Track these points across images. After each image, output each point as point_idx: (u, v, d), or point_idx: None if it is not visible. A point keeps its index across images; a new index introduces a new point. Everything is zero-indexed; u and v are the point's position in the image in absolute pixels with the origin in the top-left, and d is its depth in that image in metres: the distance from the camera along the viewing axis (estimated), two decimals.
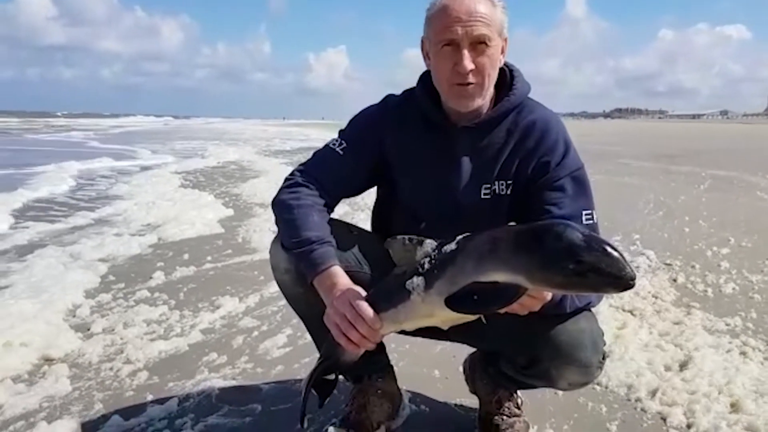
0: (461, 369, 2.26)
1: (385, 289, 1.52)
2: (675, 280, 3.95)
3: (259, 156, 16.95)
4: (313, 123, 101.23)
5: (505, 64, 1.73)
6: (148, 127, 50.44)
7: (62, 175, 10.65)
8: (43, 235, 5.55)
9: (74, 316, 3.30)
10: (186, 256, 4.70)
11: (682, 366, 2.56)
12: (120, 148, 21.08)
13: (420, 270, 1.44)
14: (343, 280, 1.61)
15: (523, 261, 1.27)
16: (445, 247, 1.42)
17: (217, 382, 2.50)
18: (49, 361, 2.71)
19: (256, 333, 3.06)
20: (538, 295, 1.37)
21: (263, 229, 5.59)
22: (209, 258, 4.66)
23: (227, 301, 3.52)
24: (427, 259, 1.44)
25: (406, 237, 1.50)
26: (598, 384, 2.39)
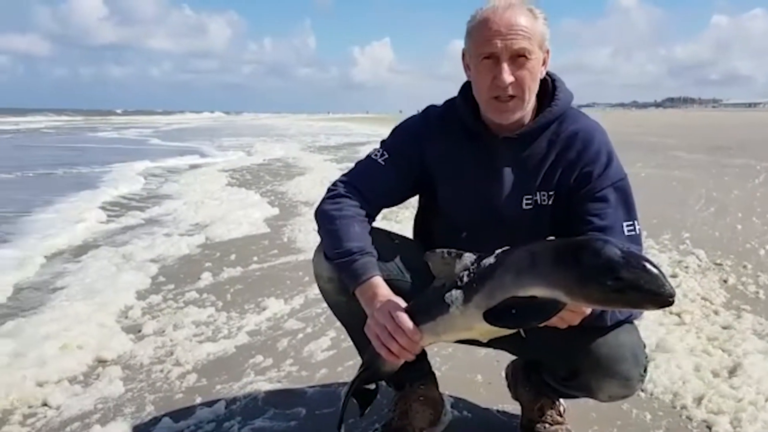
0: (504, 374, 2.27)
1: (425, 302, 1.55)
2: (725, 281, 3.87)
3: (304, 152, 17.11)
4: (358, 117, 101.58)
5: (547, 74, 1.73)
6: (201, 123, 51.33)
7: (135, 174, 11.09)
8: (99, 235, 5.73)
9: (126, 318, 3.41)
10: (233, 257, 4.80)
11: (731, 372, 2.51)
12: (184, 145, 21.56)
13: (459, 283, 1.46)
14: (383, 291, 1.64)
15: (562, 277, 1.28)
16: (483, 261, 1.44)
17: (263, 384, 2.56)
18: (102, 362, 2.81)
19: (300, 335, 3.12)
20: (578, 310, 1.37)
21: (308, 229, 5.66)
22: (255, 258, 4.75)
23: (272, 303, 3.58)
24: (466, 272, 1.46)
25: (445, 250, 1.52)
26: (642, 391, 2.36)
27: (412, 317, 1.54)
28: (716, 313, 3.26)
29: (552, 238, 1.71)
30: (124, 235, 5.72)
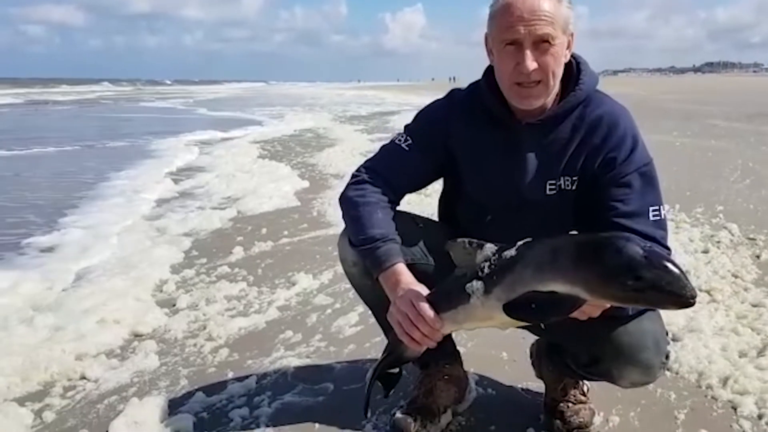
0: (528, 352, 2.30)
1: (446, 291, 1.58)
2: (758, 257, 3.82)
3: (334, 123, 17.11)
4: (388, 85, 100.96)
5: (572, 56, 1.72)
6: (231, 93, 51.57)
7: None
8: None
9: (161, 292, 3.51)
10: (264, 231, 4.87)
11: (759, 353, 2.50)
12: (237, 115, 21.78)
13: (480, 274, 1.48)
14: (406, 278, 1.67)
15: (583, 274, 1.29)
16: (504, 253, 1.45)
17: (293, 360, 2.62)
18: (138, 336, 2.91)
19: (329, 311, 3.18)
20: (598, 304, 1.39)
21: (337, 203, 5.70)
22: (285, 233, 4.82)
23: (302, 278, 3.65)
24: (487, 263, 1.47)
25: (467, 240, 1.54)
26: (668, 370, 2.36)
27: (433, 305, 1.58)
28: (746, 290, 3.23)
29: (574, 232, 1.72)
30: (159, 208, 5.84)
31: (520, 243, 1.45)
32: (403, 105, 25.89)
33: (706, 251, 3.92)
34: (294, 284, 3.58)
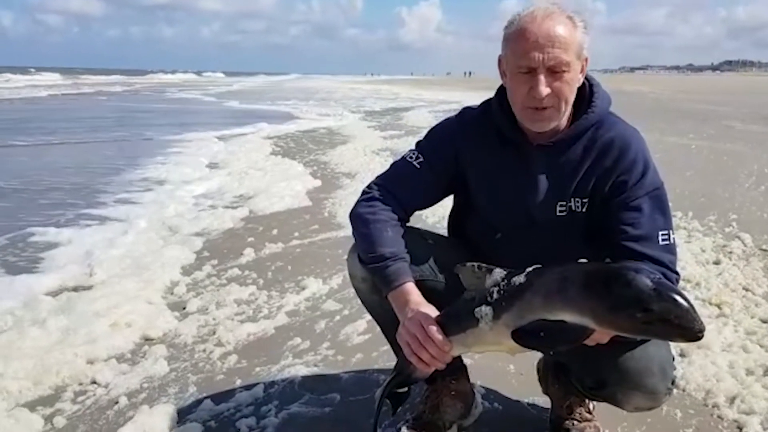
0: (536, 367, 2.30)
1: (455, 313, 1.59)
2: None
3: (348, 119, 17.09)
4: (402, 79, 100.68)
5: (585, 78, 1.72)
6: (245, 86, 51.63)
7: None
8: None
9: (172, 294, 3.54)
10: (275, 232, 4.90)
11: (766, 371, 2.49)
12: (268, 109, 22.06)
13: (489, 299, 1.49)
14: (415, 297, 1.68)
15: (591, 304, 1.30)
16: (514, 279, 1.46)
17: (300, 368, 2.64)
18: (149, 341, 2.94)
19: (337, 317, 3.20)
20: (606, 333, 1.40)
21: (349, 203, 5.68)
22: (296, 234, 4.84)
23: (311, 282, 3.67)
24: (496, 288, 1.48)
25: (476, 264, 1.55)
26: (675, 387, 2.36)
27: (442, 327, 1.59)
28: (757, 305, 3.21)
29: (583, 255, 1.72)
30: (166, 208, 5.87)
31: (529, 269, 1.45)
32: (417, 101, 25.83)
33: (717, 262, 3.90)
34: (303, 289, 3.60)
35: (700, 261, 3.93)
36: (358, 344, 2.88)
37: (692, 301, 1.27)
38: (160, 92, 35.38)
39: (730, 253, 4.10)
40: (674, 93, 27.63)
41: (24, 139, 11.22)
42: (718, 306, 3.17)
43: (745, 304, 3.22)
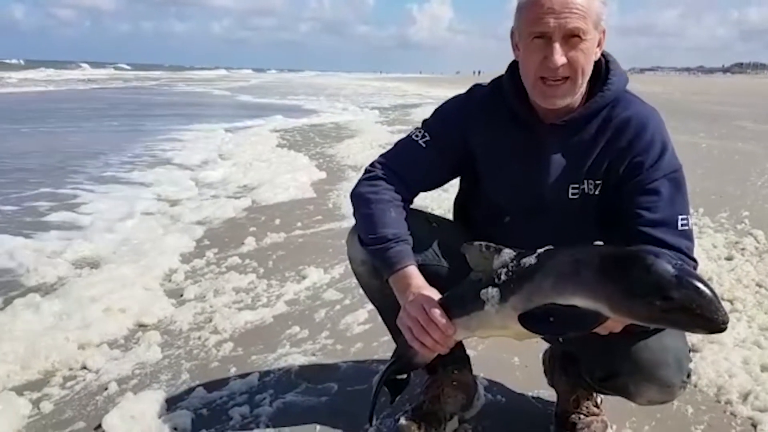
0: (541, 358, 2.21)
1: (460, 295, 1.50)
2: None
3: (356, 113, 17.02)
4: (411, 77, 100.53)
5: (602, 55, 1.63)
6: (255, 82, 51.65)
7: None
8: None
9: (170, 281, 3.46)
10: (277, 222, 4.82)
11: None
12: (282, 103, 22.26)
13: (496, 280, 1.40)
14: (417, 281, 1.60)
15: (607, 290, 1.21)
16: (523, 260, 1.37)
17: (298, 357, 2.56)
18: (143, 327, 2.87)
19: (338, 307, 3.11)
20: (620, 321, 1.30)
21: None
22: (299, 224, 4.75)
23: (313, 272, 3.58)
24: (504, 269, 1.40)
25: (484, 244, 1.46)
26: (690, 380, 2.28)
27: (445, 311, 1.51)
28: None
29: (598, 239, 1.63)
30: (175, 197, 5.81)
31: (540, 250, 1.36)
32: (425, 97, 25.68)
33: (729, 258, 3.80)
34: (304, 278, 3.51)
35: (711, 257, 3.82)
36: (359, 334, 2.80)
37: (715, 290, 1.17)
38: (170, 86, 35.44)
39: (743, 249, 3.99)
40: (685, 94, 27.40)
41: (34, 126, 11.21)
42: (731, 302, 3.07)
43: (758, 300, 3.12)
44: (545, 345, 2.18)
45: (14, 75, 38.40)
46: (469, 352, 2.11)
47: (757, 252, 3.96)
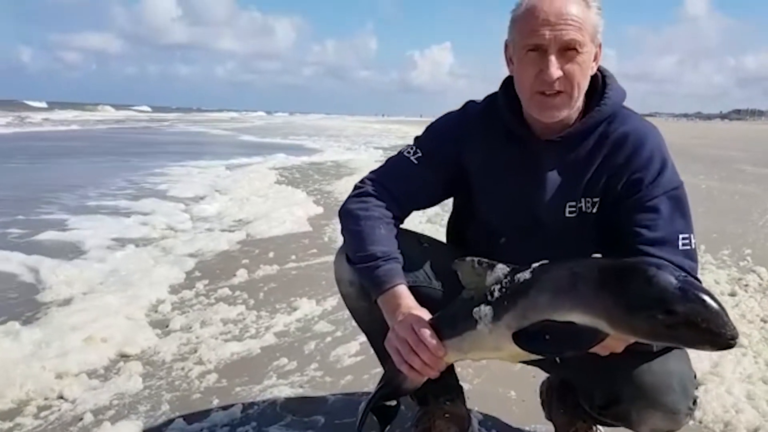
0: (538, 391, 2.10)
1: (451, 315, 1.41)
2: None
3: (356, 152, 17.06)
4: (412, 120, 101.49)
5: (598, 69, 1.57)
6: (257, 123, 52.12)
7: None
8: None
9: (156, 312, 3.36)
10: (271, 254, 4.72)
11: None
12: (286, 142, 22.61)
13: (489, 298, 1.32)
14: (407, 301, 1.51)
15: (606, 304, 1.12)
16: (518, 275, 1.29)
17: (284, 389, 2.45)
18: (125, 357, 2.75)
19: (329, 339, 3.00)
20: (621, 338, 1.21)
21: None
22: (293, 257, 4.66)
23: (305, 304, 3.48)
24: (498, 286, 1.31)
25: (476, 259, 1.37)
26: (697, 407, 2.16)
27: (436, 331, 1.41)
28: None
29: (598, 255, 1.55)
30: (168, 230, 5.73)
31: (535, 265, 1.28)
32: None
33: (733, 294, 3.71)
34: (295, 309, 3.41)
35: (714, 293, 3.72)
36: (349, 366, 2.68)
37: (723, 304, 1.08)
38: (174, 126, 35.75)
39: (746, 285, 3.90)
40: (684, 138, 27.52)
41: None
42: None
43: (763, 335, 3.01)
44: (542, 378, 2.08)
45: (37, 115, 39.20)
46: (463, 384, 2.01)
47: (760, 288, 3.86)
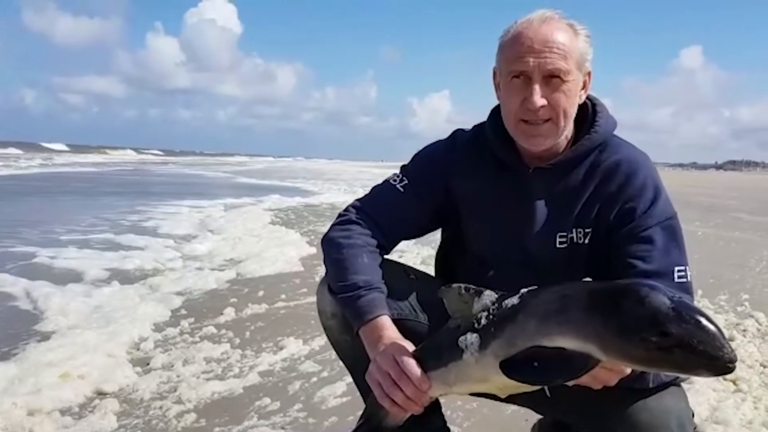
0: None
1: (436, 345, 1.33)
2: None
3: (353, 195, 17.07)
4: None
5: (588, 98, 1.53)
6: (256, 167, 52.47)
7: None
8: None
9: (138, 349, 3.27)
10: (260, 293, 4.64)
11: None
12: (284, 185, 23.02)
13: (476, 326, 1.24)
14: (390, 332, 1.43)
15: (596, 327, 1.05)
16: (506, 301, 1.21)
17: (265, 430, 2.35)
18: (101, 394, 2.66)
19: (314, 379, 2.90)
20: (615, 368, 1.13)
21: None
22: (282, 296, 4.57)
23: (291, 343, 3.38)
24: (485, 313, 1.24)
25: (463, 286, 1.30)
26: None
27: (420, 363, 1.33)
28: None
29: (588, 279, 1.48)
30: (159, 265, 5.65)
31: (524, 290, 1.21)
32: None
33: (731, 339, 3.61)
34: (282, 349, 3.31)
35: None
36: (334, 407, 2.58)
37: (719, 326, 1.01)
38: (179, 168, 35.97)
39: (744, 330, 3.81)
40: (680, 186, 27.61)
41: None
42: (734, 382, 2.87)
43: (763, 380, 2.92)
44: (534, 420, 1.99)
45: (58, 158, 40.05)
46: (452, 428, 1.92)
47: (759, 333, 3.78)
